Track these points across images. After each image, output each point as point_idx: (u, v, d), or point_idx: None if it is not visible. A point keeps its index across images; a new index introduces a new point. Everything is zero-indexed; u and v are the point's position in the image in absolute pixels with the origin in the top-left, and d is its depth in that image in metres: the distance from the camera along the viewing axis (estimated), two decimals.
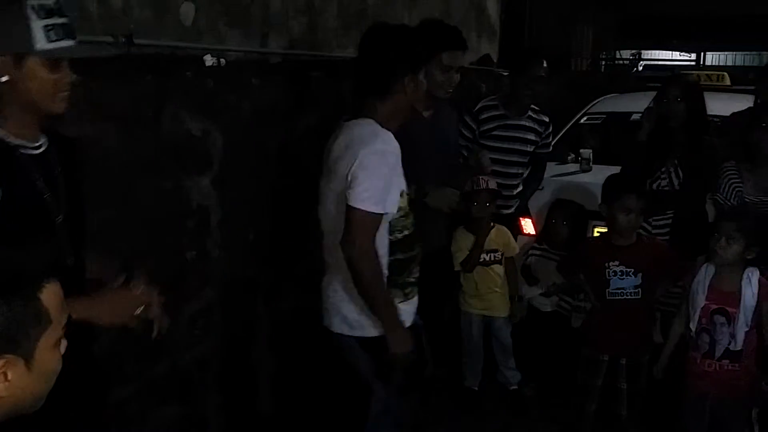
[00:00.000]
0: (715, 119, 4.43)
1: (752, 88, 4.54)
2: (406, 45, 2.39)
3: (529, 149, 3.79)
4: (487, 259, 3.60)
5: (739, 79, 6.89)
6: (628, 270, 3.11)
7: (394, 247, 2.37)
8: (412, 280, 2.48)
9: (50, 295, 1.03)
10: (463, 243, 3.58)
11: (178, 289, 2.69)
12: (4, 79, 1.61)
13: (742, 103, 4.29)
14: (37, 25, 1.59)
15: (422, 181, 2.86)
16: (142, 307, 1.83)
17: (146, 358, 2.57)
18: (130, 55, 2.48)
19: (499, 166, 3.68)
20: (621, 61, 15.53)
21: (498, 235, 3.63)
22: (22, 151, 1.66)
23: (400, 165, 2.35)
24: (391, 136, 2.34)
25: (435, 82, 2.97)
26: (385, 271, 2.35)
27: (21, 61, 1.61)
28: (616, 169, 3.87)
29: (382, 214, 2.27)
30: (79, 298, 1.66)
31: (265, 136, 3.06)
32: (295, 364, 3.30)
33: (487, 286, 3.64)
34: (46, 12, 1.61)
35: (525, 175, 3.91)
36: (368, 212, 2.23)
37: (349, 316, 2.42)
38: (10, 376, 1.00)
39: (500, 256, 3.63)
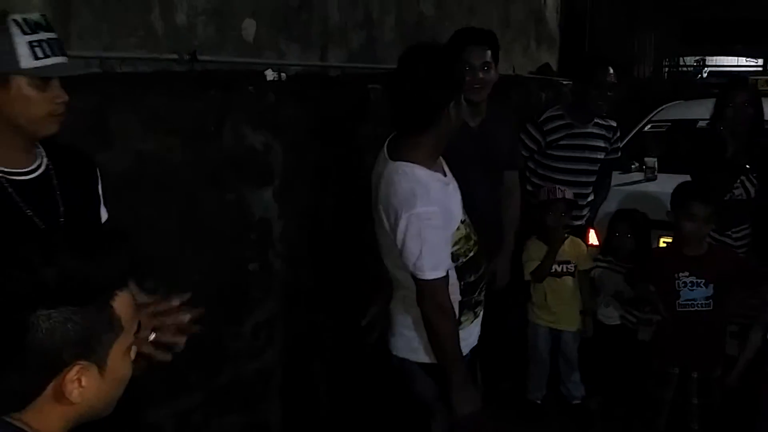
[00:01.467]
0: None
1: None
2: (443, 70, 2.11)
3: (599, 156, 3.71)
4: (559, 270, 3.54)
5: None
6: (699, 281, 3.01)
7: (461, 272, 2.27)
8: (481, 298, 2.42)
9: (122, 303, 1.05)
10: (535, 253, 3.53)
11: (241, 300, 2.73)
12: None
13: None
14: (22, 41, 1.46)
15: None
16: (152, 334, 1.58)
17: (210, 367, 2.61)
18: (194, 71, 2.54)
19: (569, 175, 3.61)
20: (685, 68, 15.17)
21: (572, 246, 3.56)
22: (10, 177, 1.53)
23: (450, 199, 2.22)
24: (431, 180, 2.15)
25: None
26: (458, 296, 2.27)
27: (5, 82, 1.47)
28: (681, 178, 3.77)
29: (447, 272, 2.18)
30: None
31: (325, 149, 3.08)
32: (354, 377, 3.31)
33: (557, 298, 3.57)
34: (31, 27, 1.47)
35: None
36: (434, 279, 2.13)
37: (413, 343, 2.34)
38: (84, 382, 1.03)
39: (573, 268, 3.56)
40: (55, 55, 1.50)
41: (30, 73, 1.47)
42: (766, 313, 2.90)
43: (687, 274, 3.03)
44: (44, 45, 1.48)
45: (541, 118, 3.66)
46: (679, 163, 4.10)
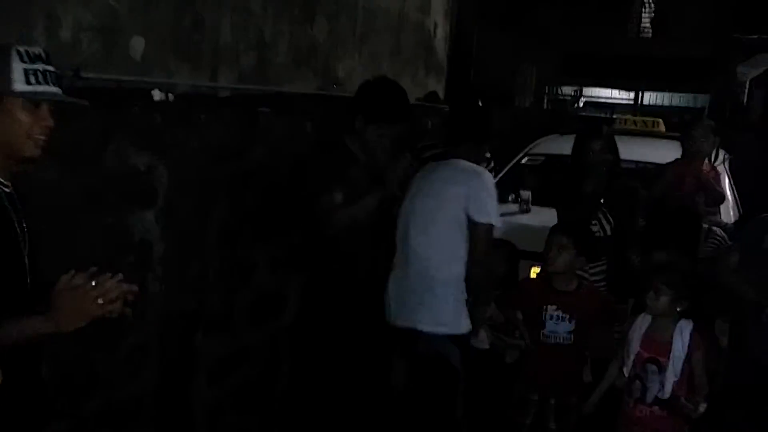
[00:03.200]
0: (648, 165, 4.62)
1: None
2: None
3: None
4: None
5: (673, 125, 7.17)
6: (564, 315, 3.21)
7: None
8: None
9: None
10: None
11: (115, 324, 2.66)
12: None
13: (675, 150, 4.48)
14: (18, 67, 1.67)
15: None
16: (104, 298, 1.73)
17: (81, 393, 2.53)
18: (77, 88, 2.47)
19: None
20: (562, 97, 15.98)
21: None
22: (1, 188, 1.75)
23: None
24: None
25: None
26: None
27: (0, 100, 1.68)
28: (553, 212, 3.99)
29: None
30: (31, 316, 1.69)
31: (212, 171, 3.06)
32: (234, 402, 3.29)
33: None
34: (30, 57, 1.69)
35: None
36: (494, 226, 3.00)
37: (443, 317, 3.01)
38: None
39: None
40: (48, 85, 1.72)
41: (25, 96, 1.69)
42: (621, 348, 3.12)
43: (555, 307, 3.23)
44: (39, 74, 1.70)
45: (419, 147, 3.80)
46: (552, 197, 4.35)
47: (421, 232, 3.07)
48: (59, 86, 1.76)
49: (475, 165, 3.11)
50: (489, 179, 3.09)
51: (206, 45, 3.19)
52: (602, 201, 3.62)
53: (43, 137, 1.76)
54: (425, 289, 3.04)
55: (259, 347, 3.45)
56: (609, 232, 3.57)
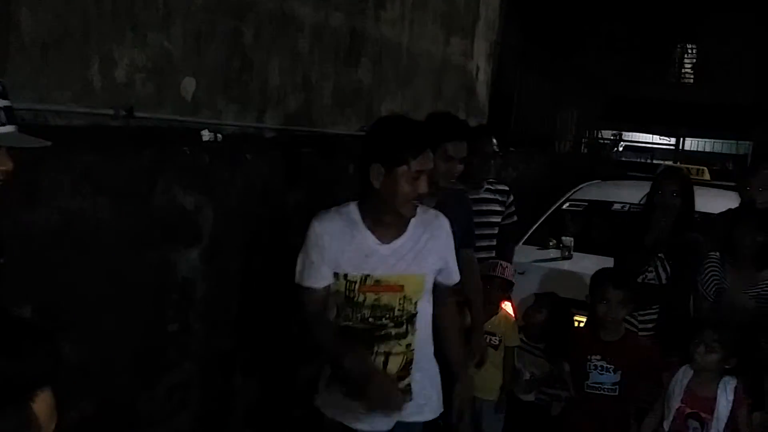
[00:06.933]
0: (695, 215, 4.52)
1: (731, 184, 4.64)
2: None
3: (495, 220, 3.80)
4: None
5: (718, 173, 7.06)
6: (609, 366, 3.12)
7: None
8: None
9: (42, 403, 1.03)
10: (465, 319, 3.60)
11: (158, 361, 2.67)
12: None
13: (722, 199, 4.40)
14: None
15: None
16: None
17: (121, 429, 2.53)
18: (130, 127, 2.52)
19: None
20: (602, 141, 15.89)
21: (501, 321, 3.64)
22: None
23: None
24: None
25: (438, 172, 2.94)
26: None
27: None
28: (596, 258, 3.92)
29: None
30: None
31: (256, 211, 3.08)
32: None
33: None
34: None
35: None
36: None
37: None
38: None
39: (497, 341, 3.63)
40: (10, 123, 1.49)
41: None
42: (660, 400, 3.03)
43: (599, 357, 3.15)
44: (1, 113, 1.47)
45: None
46: (594, 244, 4.29)
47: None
48: (15, 122, 1.52)
49: None
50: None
51: (254, 86, 3.24)
52: (664, 252, 3.50)
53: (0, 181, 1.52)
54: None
55: (297, 389, 3.43)
56: (664, 281, 3.48)
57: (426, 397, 2.43)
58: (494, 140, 3.78)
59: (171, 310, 2.72)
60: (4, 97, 1.49)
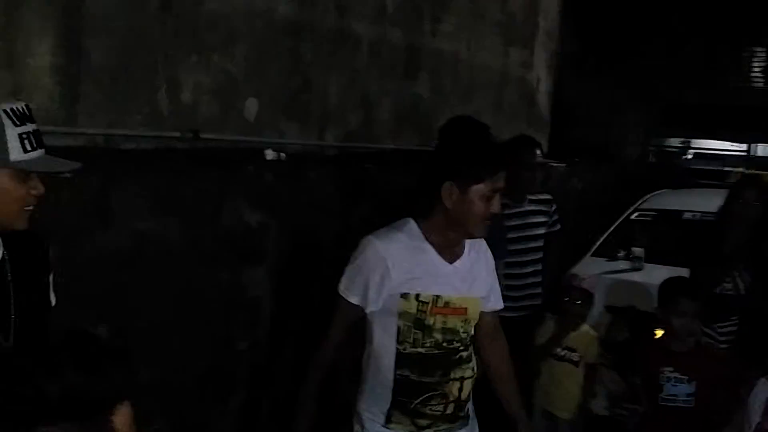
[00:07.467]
0: None
1: None
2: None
3: (540, 232, 3.72)
4: (561, 354, 3.53)
5: None
6: (683, 377, 3.02)
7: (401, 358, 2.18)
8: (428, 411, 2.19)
9: (122, 417, 1.05)
10: (545, 332, 3.55)
11: (229, 378, 2.71)
12: None
13: None
14: (13, 134, 1.42)
15: None
16: None
17: None
18: (196, 149, 2.58)
19: (516, 256, 3.59)
20: (670, 150, 15.49)
21: (582, 337, 3.56)
22: None
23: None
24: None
25: None
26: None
27: None
28: (667, 269, 3.80)
29: None
30: None
31: (320, 228, 3.10)
32: None
33: (554, 381, 3.54)
34: (19, 118, 1.44)
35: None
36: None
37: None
38: None
39: (577, 358, 3.55)
40: (40, 148, 1.47)
41: (20, 166, 1.43)
42: (738, 414, 2.90)
43: (672, 369, 3.04)
44: (31, 137, 1.45)
45: None
46: (666, 254, 4.16)
47: None
48: (43, 146, 1.49)
49: None
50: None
51: (314, 105, 3.28)
52: (742, 261, 3.37)
53: (32, 206, 1.50)
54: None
55: None
56: (743, 291, 3.35)
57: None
58: (537, 151, 3.66)
59: (239, 328, 2.75)
60: (32, 121, 1.47)
